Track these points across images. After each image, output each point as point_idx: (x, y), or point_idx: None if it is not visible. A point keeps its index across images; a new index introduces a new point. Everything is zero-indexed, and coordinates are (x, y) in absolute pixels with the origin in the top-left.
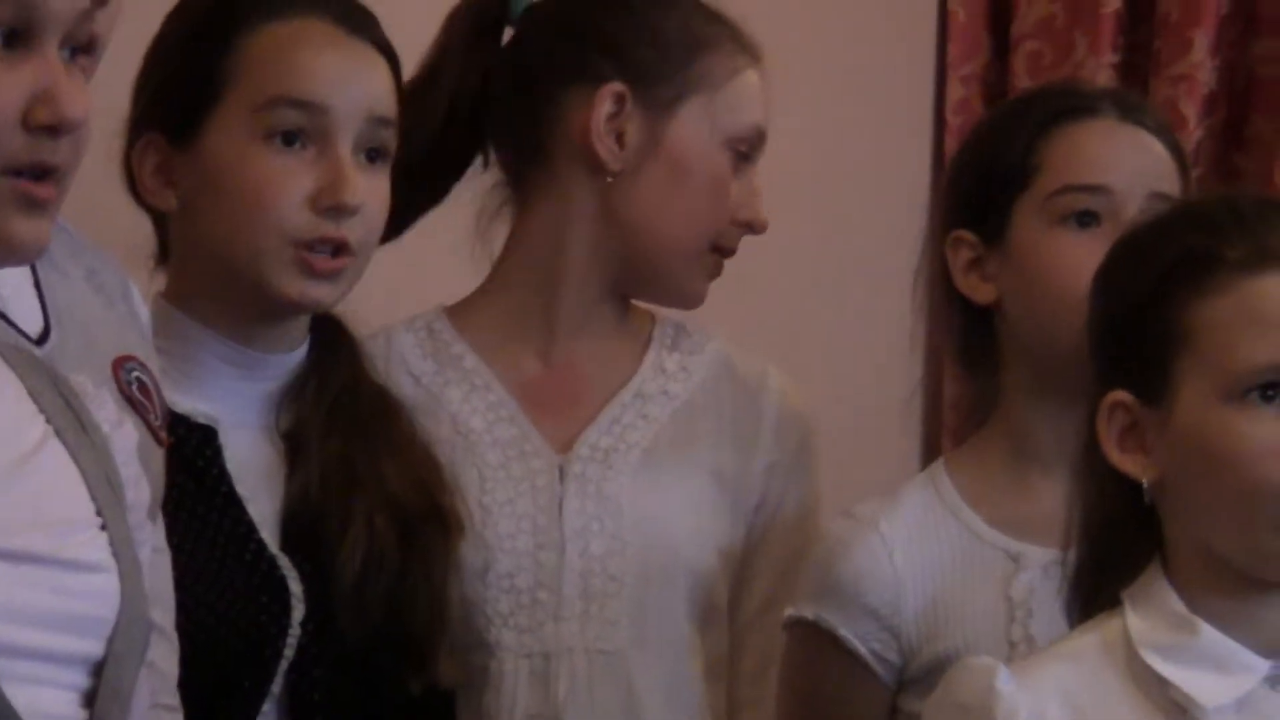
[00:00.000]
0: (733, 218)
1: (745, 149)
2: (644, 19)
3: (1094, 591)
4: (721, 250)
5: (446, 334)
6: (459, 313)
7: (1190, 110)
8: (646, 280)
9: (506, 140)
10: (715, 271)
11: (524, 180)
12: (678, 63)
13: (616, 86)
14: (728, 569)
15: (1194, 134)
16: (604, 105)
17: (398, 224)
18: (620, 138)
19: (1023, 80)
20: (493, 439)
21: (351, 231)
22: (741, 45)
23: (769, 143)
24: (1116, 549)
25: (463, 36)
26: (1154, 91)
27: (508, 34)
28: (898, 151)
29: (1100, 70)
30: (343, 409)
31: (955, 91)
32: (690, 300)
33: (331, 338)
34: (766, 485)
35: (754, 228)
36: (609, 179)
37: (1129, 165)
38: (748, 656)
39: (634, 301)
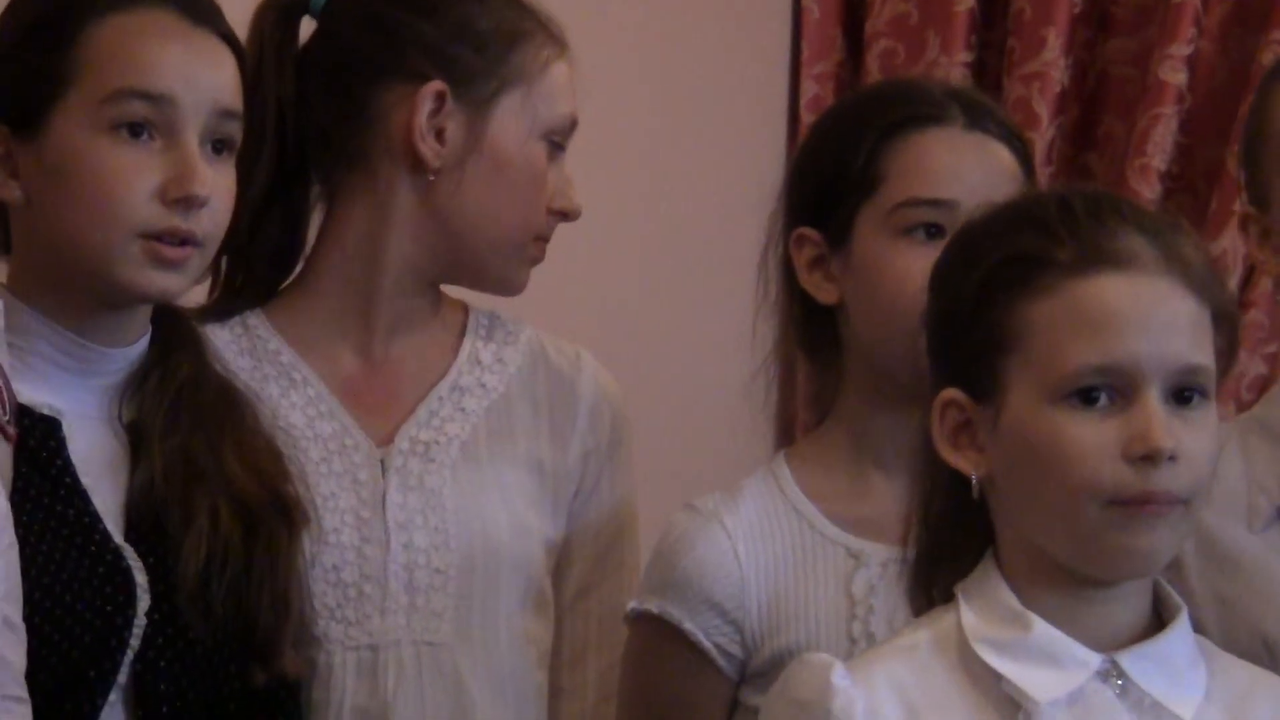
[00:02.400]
0: (549, 207)
1: (559, 139)
2: (457, 14)
3: (931, 584)
4: (541, 238)
5: (263, 330)
6: (275, 310)
7: (1043, 109)
8: (471, 273)
9: (320, 139)
10: (538, 258)
11: (338, 179)
12: (494, 58)
13: (437, 85)
14: (551, 558)
15: (1046, 133)
16: (425, 104)
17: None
18: (440, 135)
19: (876, 79)
20: (314, 434)
21: (199, 224)
22: (551, 36)
23: (626, 137)
24: (952, 543)
25: (270, 33)
26: (1007, 90)
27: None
28: (752, 148)
29: (953, 69)
30: (186, 401)
31: (809, 89)
32: (514, 289)
33: (173, 330)
34: (583, 472)
35: (568, 215)
36: (430, 177)
37: (974, 177)
38: (565, 643)
39: (445, 291)
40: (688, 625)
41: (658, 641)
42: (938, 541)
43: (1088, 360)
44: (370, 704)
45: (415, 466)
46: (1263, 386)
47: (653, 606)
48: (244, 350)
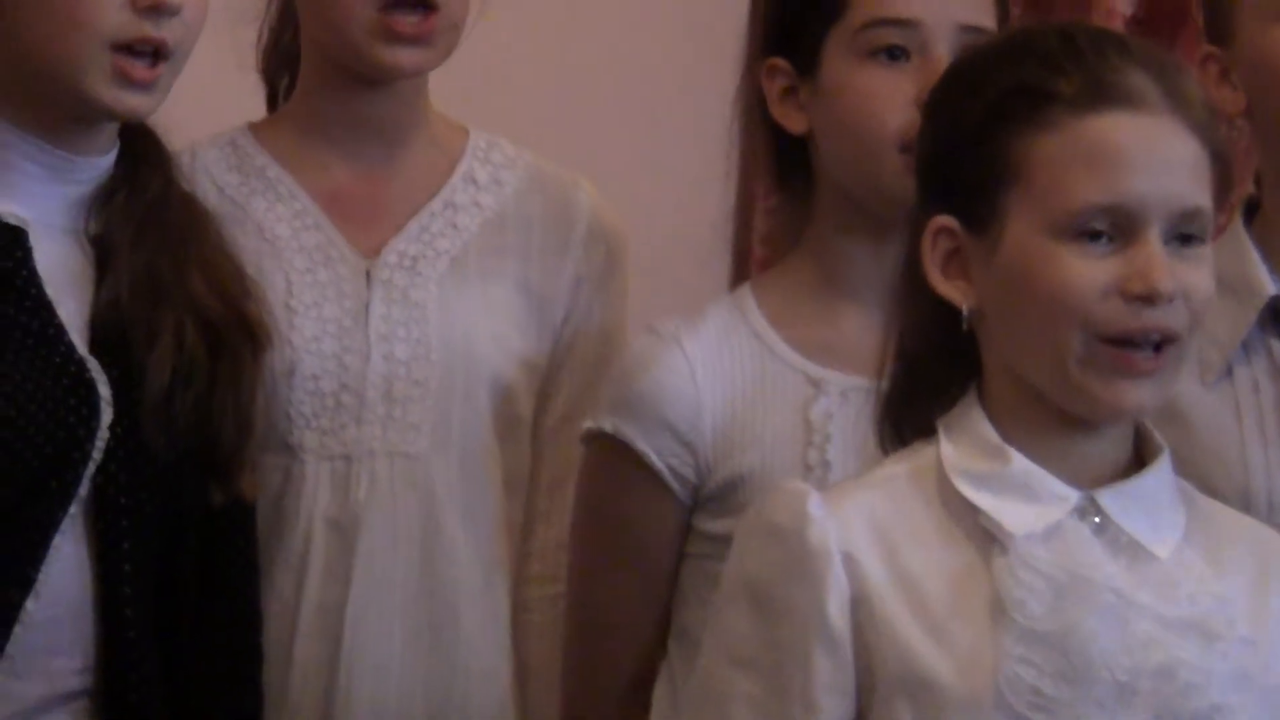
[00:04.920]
0: None
1: None
2: None
3: (903, 419)
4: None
5: (250, 147)
6: (263, 127)
7: None
8: (350, 62)
9: None
10: (401, 32)
11: None
12: None
13: None
14: (532, 381)
15: None
16: None
17: None
18: None
19: None
20: (299, 245)
21: (171, 32)
22: None
23: None
24: (933, 376)
25: None
26: None
27: None
28: None
29: None
30: (153, 219)
31: None
32: (392, 72)
33: (143, 147)
34: (573, 299)
35: None
36: None
37: None
38: (545, 468)
39: (448, 117)
40: (641, 445)
41: (611, 461)
42: (915, 376)
43: (1093, 198)
44: (341, 514)
45: (401, 280)
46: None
47: (607, 425)
48: (231, 167)
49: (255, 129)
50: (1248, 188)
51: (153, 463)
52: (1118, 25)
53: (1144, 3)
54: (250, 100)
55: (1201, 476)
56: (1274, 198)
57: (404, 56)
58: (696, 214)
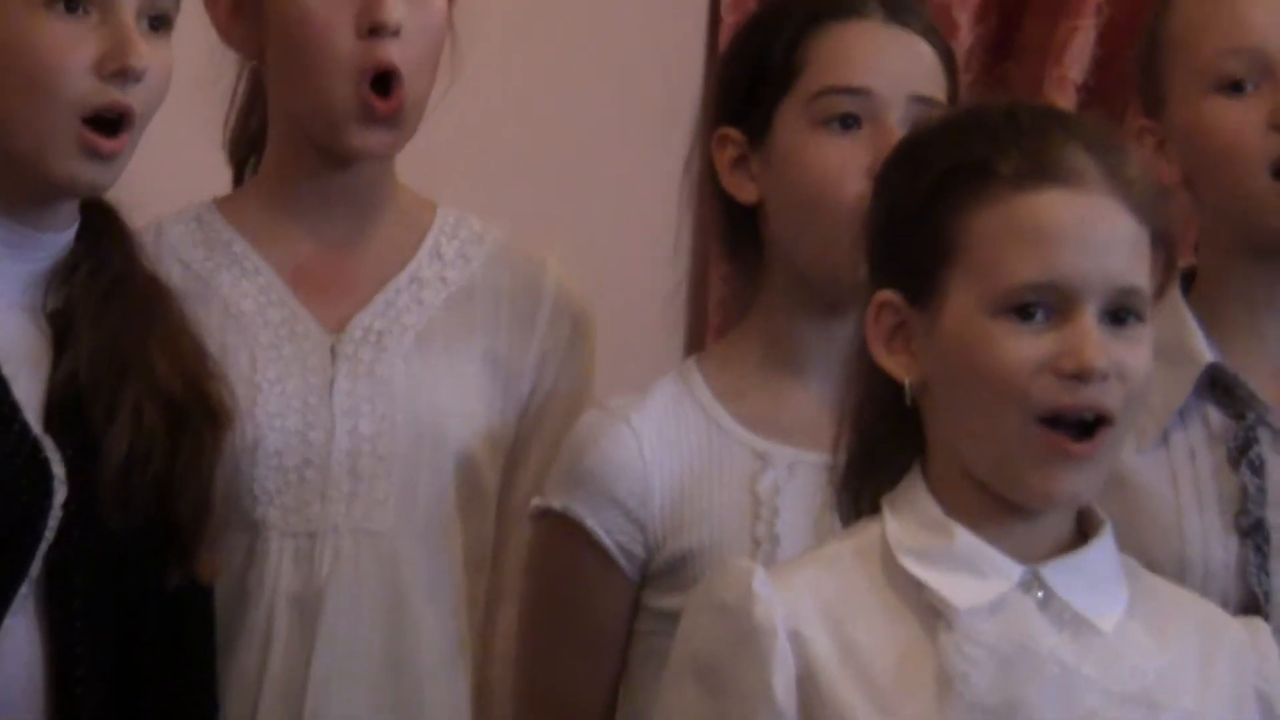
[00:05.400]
0: (357, 29)
1: None
2: None
3: (865, 490)
4: (375, 72)
5: (216, 223)
6: (229, 203)
7: (963, 17)
8: (321, 137)
9: None
10: (374, 112)
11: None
12: None
13: None
14: (497, 456)
15: (965, 41)
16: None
17: None
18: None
19: None
20: (264, 320)
21: (135, 97)
22: None
23: (543, 36)
24: (884, 452)
25: None
26: None
27: None
28: (673, 48)
29: None
30: (115, 295)
31: None
32: (361, 154)
33: (104, 223)
34: (539, 374)
35: (380, 27)
36: (253, 63)
37: (892, 68)
38: (510, 547)
39: (416, 192)
40: (590, 522)
41: (561, 539)
42: (869, 450)
43: (1027, 275)
44: (304, 591)
45: (366, 354)
46: None
47: (556, 503)
48: (197, 242)
49: (221, 204)
50: (1189, 258)
51: (109, 541)
52: (1069, 93)
53: (1095, 72)
54: (218, 175)
55: (1139, 543)
56: (1211, 267)
57: (374, 139)
58: (657, 284)
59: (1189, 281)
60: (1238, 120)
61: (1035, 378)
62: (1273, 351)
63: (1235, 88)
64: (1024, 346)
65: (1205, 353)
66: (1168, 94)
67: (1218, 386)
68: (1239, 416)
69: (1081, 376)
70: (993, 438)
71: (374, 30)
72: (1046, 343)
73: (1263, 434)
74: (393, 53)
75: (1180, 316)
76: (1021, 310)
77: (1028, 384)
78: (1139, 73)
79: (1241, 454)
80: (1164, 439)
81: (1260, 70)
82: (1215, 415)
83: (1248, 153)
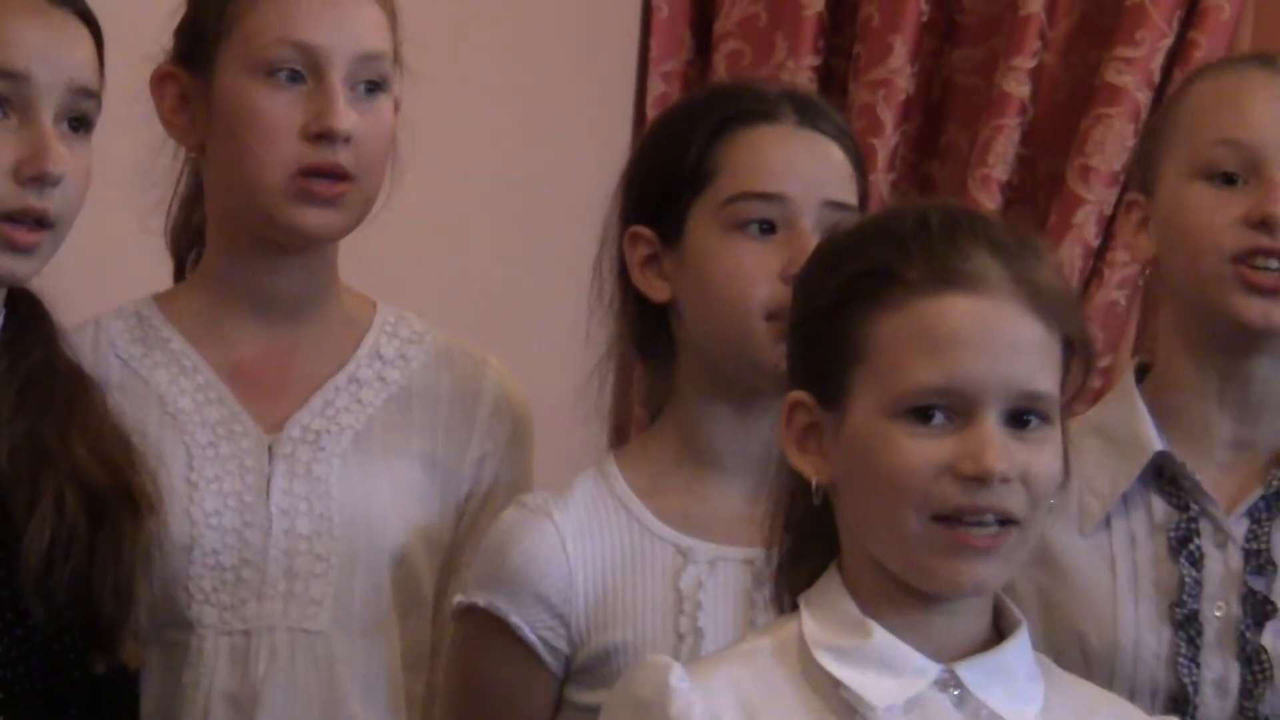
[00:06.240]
0: (304, 132)
1: (288, 65)
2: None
3: (794, 584)
4: (316, 169)
5: (155, 319)
6: (168, 299)
7: (887, 116)
8: (260, 227)
9: None
10: (312, 194)
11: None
12: (212, 15)
13: (167, 67)
14: (434, 557)
15: (890, 139)
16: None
17: None
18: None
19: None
20: (201, 419)
21: (53, 202)
22: None
23: (472, 131)
24: (808, 548)
25: None
26: (853, 95)
27: None
28: (597, 145)
29: (800, 72)
30: (36, 385)
31: (656, 87)
32: (301, 232)
33: (27, 313)
34: (478, 475)
35: (331, 135)
36: (194, 155)
37: (805, 174)
38: (447, 646)
39: (356, 291)
40: (514, 619)
41: (484, 635)
42: (793, 548)
43: (926, 380)
44: (240, 690)
45: (304, 454)
46: (1094, 398)
47: (479, 600)
48: (135, 339)
49: (160, 300)
50: (1150, 349)
51: (31, 633)
52: (994, 192)
53: (1020, 170)
54: (158, 267)
55: (1072, 625)
56: (1169, 355)
57: (313, 217)
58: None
59: (1144, 372)
60: (1216, 209)
61: (935, 480)
62: (1221, 445)
63: (1226, 179)
64: (924, 448)
65: (1155, 441)
66: (1160, 174)
67: (1164, 476)
68: (1183, 507)
69: (981, 479)
70: (896, 536)
71: (323, 136)
72: (947, 445)
73: (1204, 526)
74: (341, 157)
75: (1132, 403)
76: (921, 413)
77: (928, 486)
78: (1139, 148)
79: (1182, 545)
80: (1106, 523)
81: (1250, 167)
82: (1159, 504)
83: (1216, 239)
